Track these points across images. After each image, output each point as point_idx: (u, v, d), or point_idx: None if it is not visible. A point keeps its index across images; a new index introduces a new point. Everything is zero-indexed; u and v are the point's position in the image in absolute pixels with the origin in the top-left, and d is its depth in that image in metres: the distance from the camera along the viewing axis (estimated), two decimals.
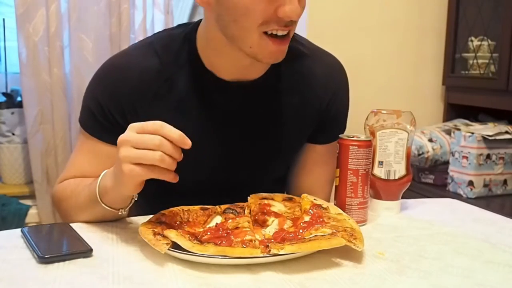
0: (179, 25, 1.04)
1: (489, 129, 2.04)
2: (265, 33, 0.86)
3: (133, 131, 0.78)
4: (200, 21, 0.99)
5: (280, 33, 0.87)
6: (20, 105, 2.24)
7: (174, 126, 0.82)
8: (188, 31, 0.99)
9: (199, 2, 0.90)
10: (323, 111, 1.06)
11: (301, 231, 0.82)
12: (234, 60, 0.94)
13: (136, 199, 0.87)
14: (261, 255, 0.73)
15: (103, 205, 0.85)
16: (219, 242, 0.77)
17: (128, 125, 0.95)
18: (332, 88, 1.06)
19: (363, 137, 0.94)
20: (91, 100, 0.98)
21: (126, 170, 0.77)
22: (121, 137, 0.79)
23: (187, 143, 0.77)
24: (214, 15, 0.89)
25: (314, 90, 1.04)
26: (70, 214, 0.94)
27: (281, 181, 1.13)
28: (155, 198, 0.98)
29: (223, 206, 0.92)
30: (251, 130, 1.01)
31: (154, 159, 0.76)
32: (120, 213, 0.87)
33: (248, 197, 0.95)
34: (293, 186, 1.11)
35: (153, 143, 0.76)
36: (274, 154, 1.05)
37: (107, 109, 0.96)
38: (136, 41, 2.24)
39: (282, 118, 1.03)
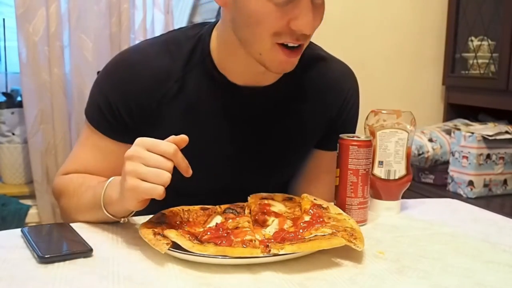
0: (195, 25, 1.02)
1: (489, 129, 2.04)
2: (277, 42, 0.85)
3: (143, 148, 0.77)
4: (216, 22, 0.97)
5: (291, 44, 0.85)
6: (20, 105, 2.25)
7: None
8: (203, 31, 0.98)
9: (218, 1, 0.88)
10: (333, 118, 1.05)
11: (301, 231, 0.82)
12: (247, 65, 0.92)
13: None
14: (261, 255, 0.73)
15: (106, 213, 0.85)
16: (219, 242, 0.77)
17: (134, 123, 0.95)
18: (343, 96, 1.06)
19: (363, 137, 0.94)
20: (100, 95, 0.97)
21: (131, 184, 0.76)
22: (131, 152, 0.77)
23: (189, 173, 0.80)
24: (230, 16, 0.88)
25: (325, 97, 1.04)
26: (70, 212, 0.94)
27: (284, 187, 1.11)
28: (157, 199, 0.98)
29: (223, 206, 0.92)
30: (259, 135, 1.00)
31: (164, 181, 0.76)
32: (121, 221, 0.87)
33: (248, 197, 0.95)
34: (297, 192, 1.10)
35: (165, 166, 0.76)
36: (282, 159, 1.05)
37: (115, 106, 0.94)
38: (137, 41, 2.24)
39: (292, 124, 1.02)
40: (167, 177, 0.76)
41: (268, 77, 0.97)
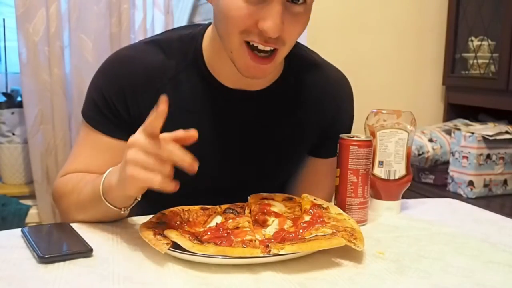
0: (188, 26, 1.04)
1: (489, 129, 2.04)
2: (247, 43, 0.85)
3: (144, 135, 0.75)
4: (210, 23, 0.98)
5: (260, 47, 0.85)
6: (20, 105, 2.24)
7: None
8: (196, 32, 0.99)
9: None
10: (327, 125, 1.05)
11: (301, 231, 0.82)
12: (232, 66, 0.91)
13: (139, 199, 0.85)
14: (261, 255, 0.73)
15: (105, 202, 0.84)
16: (219, 242, 0.77)
17: (131, 119, 0.95)
18: (337, 103, 1.06)
19: (363, 137, 0.94)
20: (95, 91, 0.97)
21: (131, 172, 0.74)
22: (132, 139, 0.75)
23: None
24: (214, 12, 0.89)
25: (319, 104, 1.04)
26: (69, 211, 0.93)
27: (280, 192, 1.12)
28: (155, 199, 0.98)
29: (223, 206, 0.92)
30: (252, 138, 1.01)
31: (163, 171, 0.73)
32: (122, 211, 0.86)
33: (248, 197, 0.95)
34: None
35: (167, 155, 0.73)
36: (273, 165, 1.05)
37: (111, 102, 0.95)
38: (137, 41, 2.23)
39: (284, 129, 1.02)
40: (167, 167, 0.73)
41: (257, 81, 0.97)
